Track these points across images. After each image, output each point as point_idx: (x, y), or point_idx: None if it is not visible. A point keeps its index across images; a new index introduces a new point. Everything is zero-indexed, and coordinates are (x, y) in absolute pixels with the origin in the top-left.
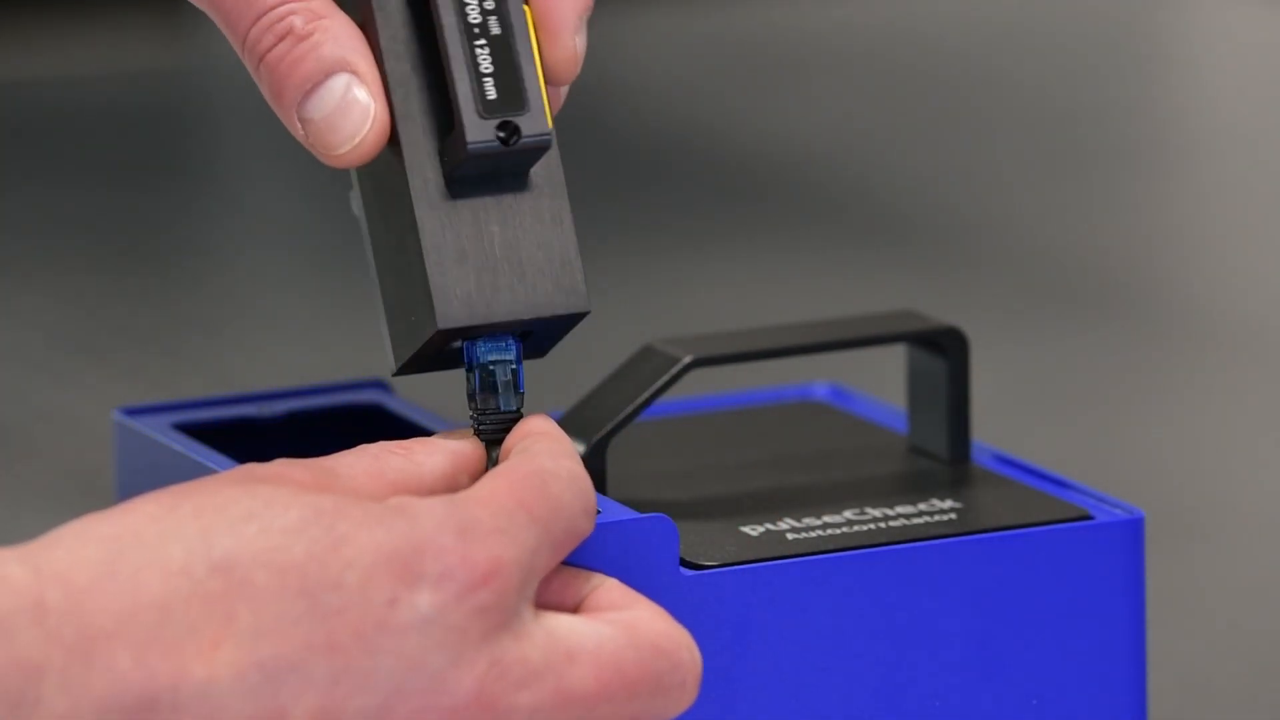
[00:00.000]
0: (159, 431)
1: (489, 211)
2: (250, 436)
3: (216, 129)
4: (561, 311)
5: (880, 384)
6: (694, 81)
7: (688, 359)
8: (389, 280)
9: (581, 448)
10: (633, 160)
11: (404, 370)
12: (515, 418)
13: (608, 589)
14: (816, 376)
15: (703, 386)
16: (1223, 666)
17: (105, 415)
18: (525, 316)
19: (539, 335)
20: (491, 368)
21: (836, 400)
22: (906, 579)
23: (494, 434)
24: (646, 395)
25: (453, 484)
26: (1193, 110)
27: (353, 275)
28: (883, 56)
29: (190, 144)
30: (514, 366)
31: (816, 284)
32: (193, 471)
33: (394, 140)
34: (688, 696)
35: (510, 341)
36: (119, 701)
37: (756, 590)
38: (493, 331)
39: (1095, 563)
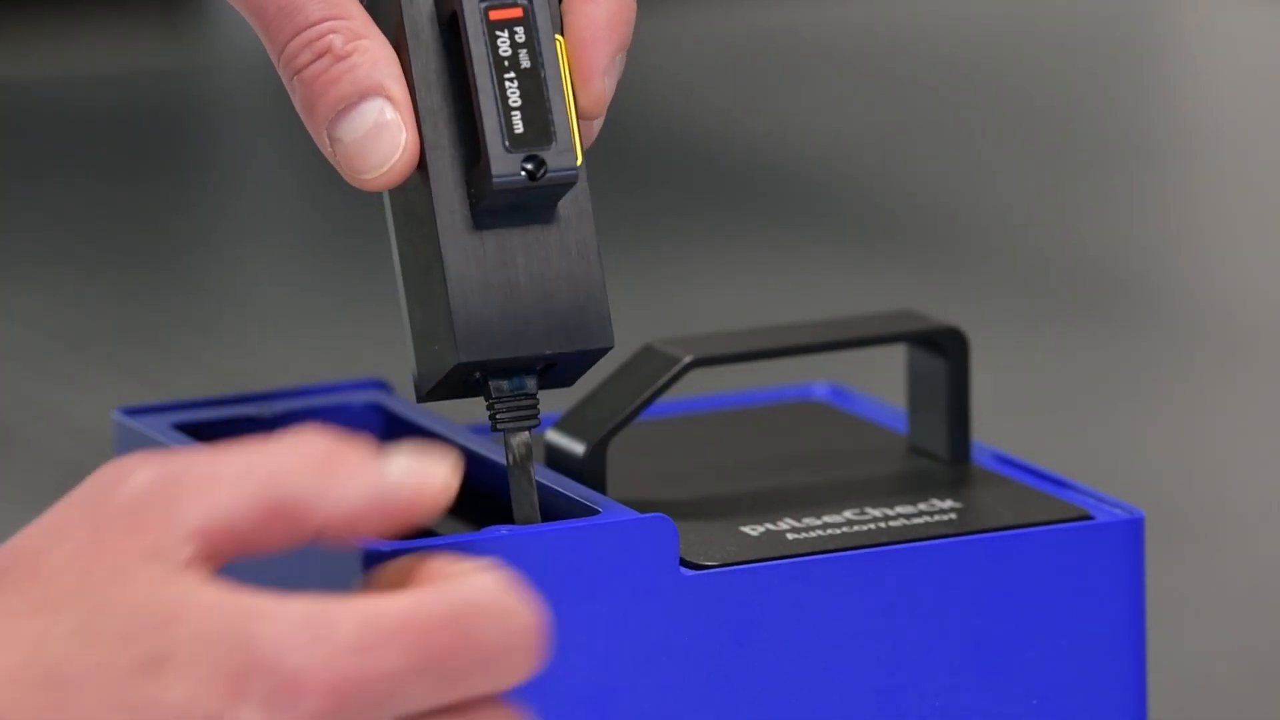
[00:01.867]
0: (159, 431)
1: (515, 244)
2: (250, 437)
3: (216, 129)
4: (584, 347)
5: (880, 384)
6: (694, 81)
7: (688, 359)
8: (415, 306)
9: (581, 448)
10: (633, 160)
11: (429, 398)
12: (533, 403)
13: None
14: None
15: (703, 386)
16: (1223, 666)
17: (105, 415)
18: (547, 351)
19: (562, 369)
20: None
21: (836, 400)
22: (906, 579)
23: (512, 422)
24: (646, 395)
25: (357, 525)
26: (1192, 110)
27: (353, 275)
28: (883, 56)
29: (190, 144)
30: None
31: (816, 284)
32: None
33: (422, 168)
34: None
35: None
36: None
37: (756, 590)
38: (515, 364)
39: (1095, 563)
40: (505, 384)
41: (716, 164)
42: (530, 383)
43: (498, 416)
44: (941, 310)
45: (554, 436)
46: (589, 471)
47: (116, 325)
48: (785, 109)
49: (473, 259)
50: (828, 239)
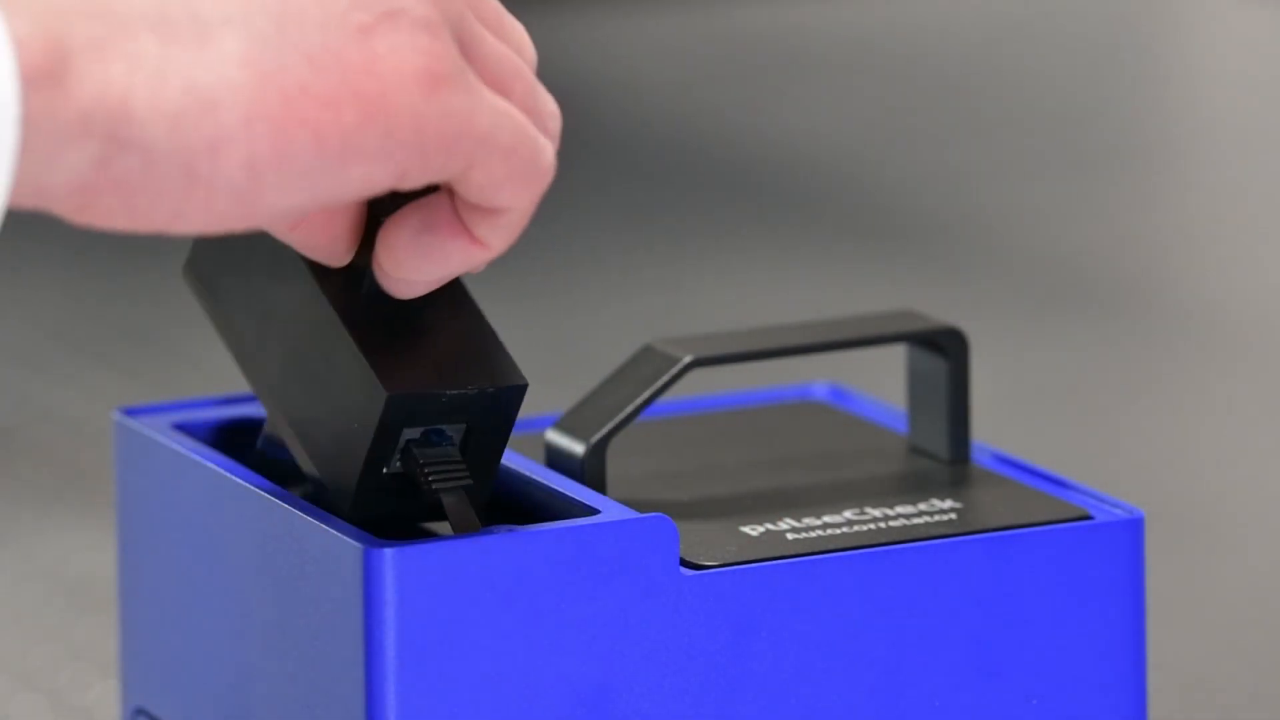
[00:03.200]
0: (159, 431)
1: (405, 311)
2: (250, 436)
3: None
4: (502, 383)
5: (880, 384)
6: (695, 82)
7: (688, 359)
8: (308, 422)
9: (581, 448)
10: (633, 161)
11: (361, 505)
12: (461, 464)
13: None
14: (816, 376)
15: (703, 386)
16: (1223, 666)
17: (105, 415)
18: (469, 388)
19: (481, 435)
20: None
21: (836, 400)
22: (906, 579)
23: (444, 480)
24: (646, 395)
25: None
26: (1192, 110)
27: None
28: (883, 57)
29: None
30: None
31: (816, 284)
32: (192, 471)
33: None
34: None
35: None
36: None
37: (756, 590)
38: (440, 405)
39: (1095, 563)
40: (430, 449)
41: (716, 164)
42: (454, 436)
43: (430, 478)
44: (941, 310)
45: (554, 436)
46: (589, 471)
47: (116, 325)
48: (785, 109)
49: (374, 324)
50: (827, 239)
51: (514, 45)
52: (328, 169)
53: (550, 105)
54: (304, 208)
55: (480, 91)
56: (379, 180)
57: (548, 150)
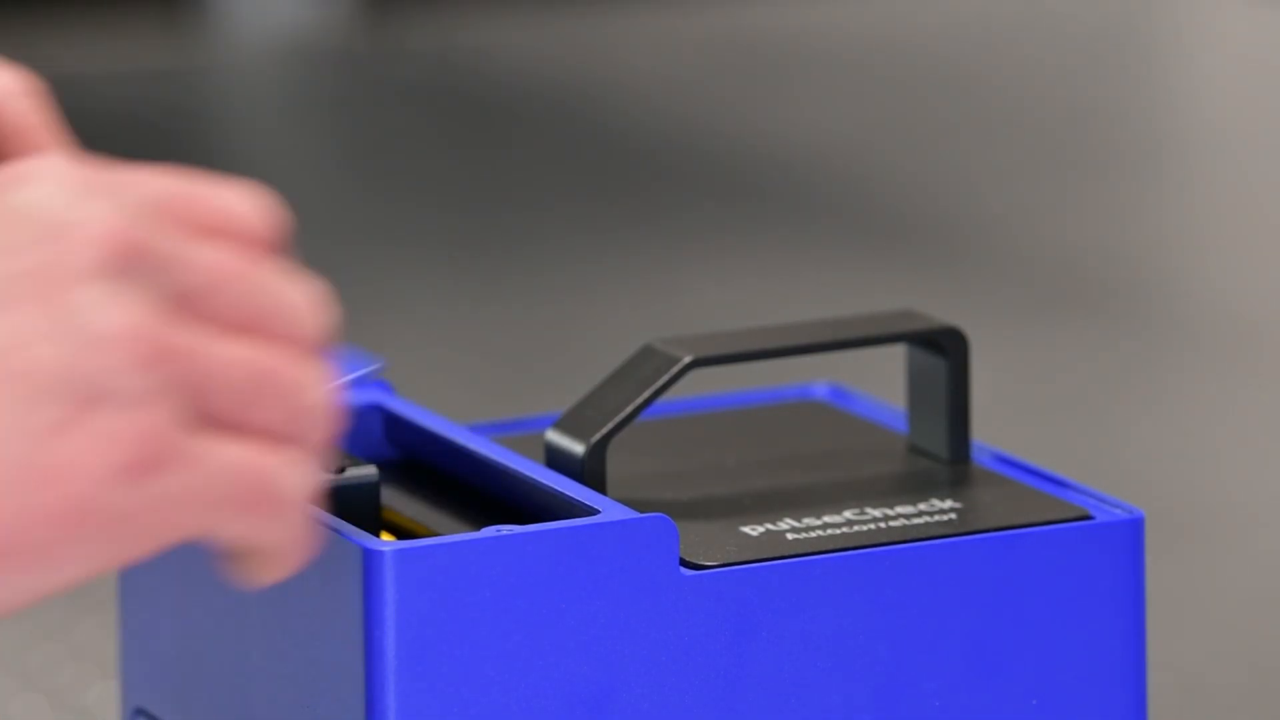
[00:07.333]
0: None
1: None
2: None
3: (216, 128)
4: None
5: (880, 384)
6: (695, 82)
7: (688, 359)
8: None
9: (581, 448)
10: (632, 161)
11: None
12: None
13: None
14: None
15: (703, 386)
16: (1223, 666)
17: None
18: None
19: None
20: None
21: (836, 400)
22: (906, 579)
23: None
24: (646, 395)
25: None
26: (1191, 110)
27: (353, 275)
28: (884, 57)
29: (190, 143)
30: None
31: (816, 284)
32: None
33: None
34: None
35: None
36: None
37: (756, 590)
38: None
39: (1095, 563)
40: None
41: (716, 164)
42: None
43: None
44: (941, 310)
45: (554, 436)
46: (589, 471)
47: None
48: (785, 110)
49: None
50: (828, 239)
51: (284, 330)
52: (26, 582)
53: (318, 394)
54: (16, 607)
55: (200, 459)
56: (95, 572)
57: (293, 485)
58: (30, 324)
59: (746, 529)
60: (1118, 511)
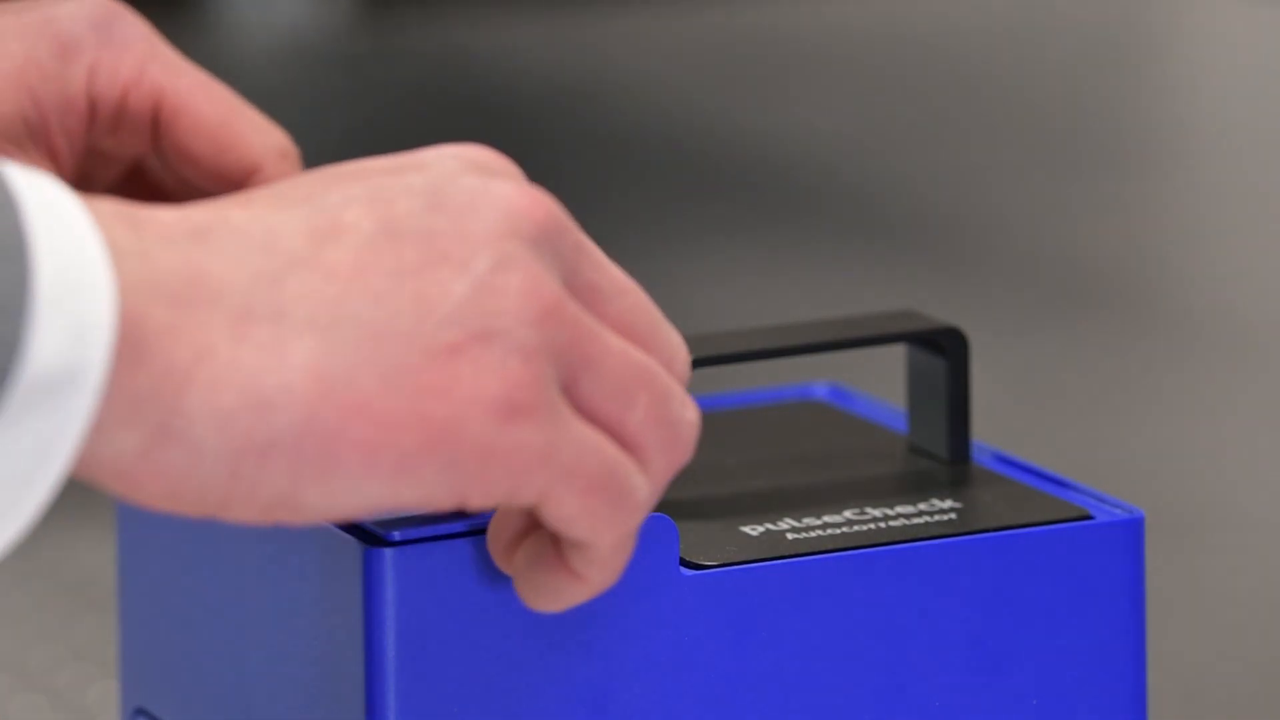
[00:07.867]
0: None
1: None
2: None
3: None
4: None
5: (880, 384)
6: (695, 82)
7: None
8: None
9: None
10: (632, 161)
11: None
12: None
13: None
14: (816, 376)
15: (703, 386)
16: (1223, 666)
17: None
18: None
19: None
20: None
21: (836, 400)
22: (906, 579)
23: None
24: None
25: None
26: (1191, 110)
27: None
28: (883, 57)
29: None
30: None
31: (816, 284)
32: None
33: None
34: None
35: None
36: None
37: (756, 590)
38: None
39: (1095, 563)
40: None
41: (717, 165)
42: None
43: None
44: (941, 310)
45: None
46: None
47: None
48: (785, 110)
49: None
50: (827, 238)
51: (661, 356)
52: (377, 487)
53: (689, 413)
54: (353, 513)
55: (566, 424)
56: (435, 501)
57: (640, 489)
58: (449, 266)
59: (746, 529)
60: (1118, 511)
